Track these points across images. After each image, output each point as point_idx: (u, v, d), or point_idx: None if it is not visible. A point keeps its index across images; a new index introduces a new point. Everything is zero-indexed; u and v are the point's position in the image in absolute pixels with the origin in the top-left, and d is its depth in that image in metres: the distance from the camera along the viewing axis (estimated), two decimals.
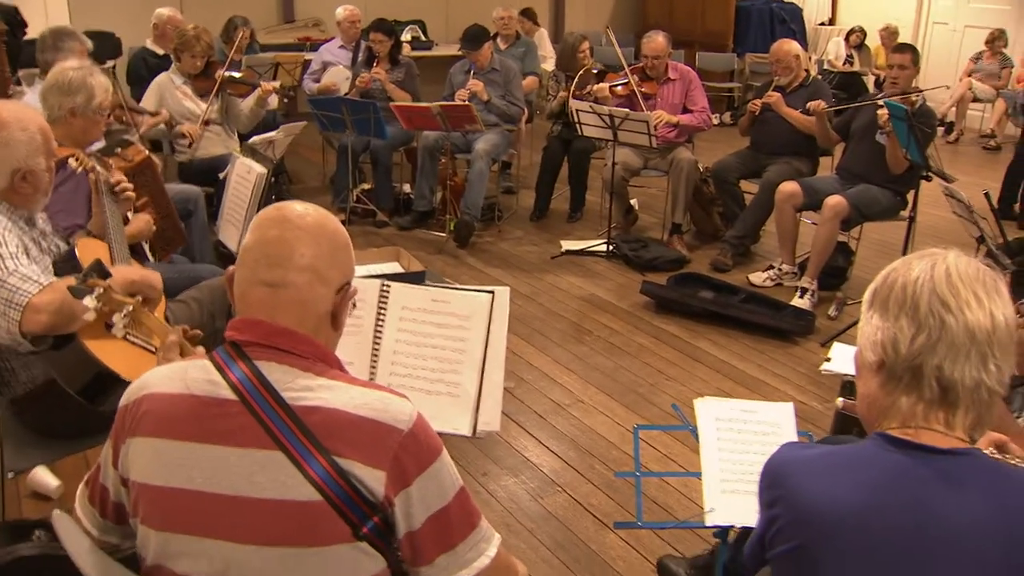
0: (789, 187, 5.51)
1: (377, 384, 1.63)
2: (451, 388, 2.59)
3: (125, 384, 1.69)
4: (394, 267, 4.11)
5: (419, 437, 1.51)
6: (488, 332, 2.61)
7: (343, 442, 1.47)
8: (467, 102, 6.21)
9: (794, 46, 6.04)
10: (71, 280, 2.28)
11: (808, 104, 5.67)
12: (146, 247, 3.69)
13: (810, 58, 10.77)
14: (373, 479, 1.46)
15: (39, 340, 2.47)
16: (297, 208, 1.61)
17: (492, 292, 2.65)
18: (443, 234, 6.48)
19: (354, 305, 1.69)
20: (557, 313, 5.27)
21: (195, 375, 1.55)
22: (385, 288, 2.66)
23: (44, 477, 3.29)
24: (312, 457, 1.45)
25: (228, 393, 1.51)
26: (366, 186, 7.03)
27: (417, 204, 6.74)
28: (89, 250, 2.76)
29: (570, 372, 4.51)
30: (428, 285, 2.82)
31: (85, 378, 2.43)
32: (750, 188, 6.15)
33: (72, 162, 3.11)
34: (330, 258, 1.59)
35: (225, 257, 4.62)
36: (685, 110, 6.34)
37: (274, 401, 1.49)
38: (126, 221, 3.30)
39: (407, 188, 7.17)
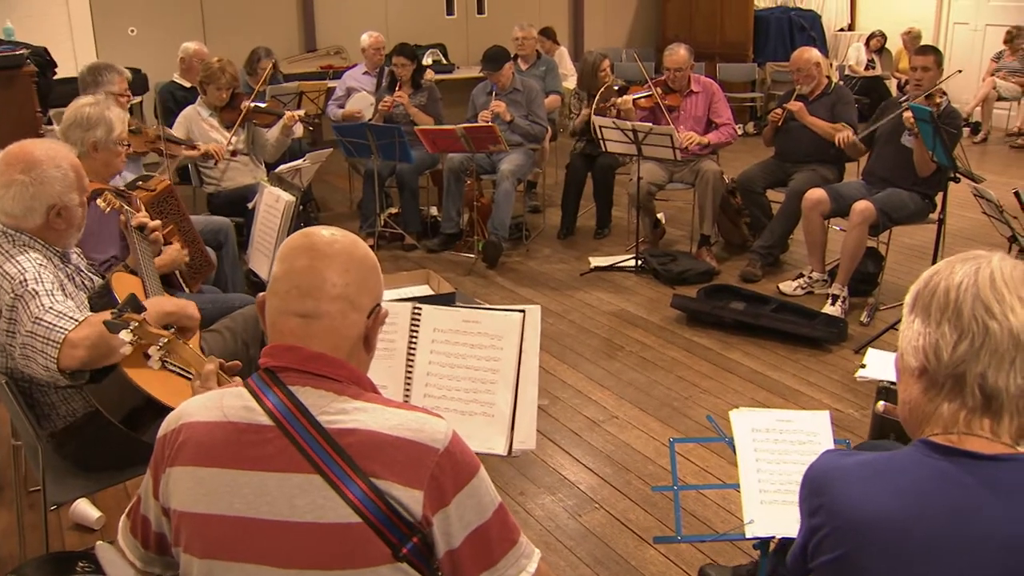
0: (816, 194, 5.48)
1: (411, 405, 1.64)
2: (485, 408, 2.59)
3: (164, 412, 1.71)
4: (424, 290, 4.12)
5: (455, 455, 1.51)
6: (520, 351, 2.60)
7: (380, 463, 1.47)
8: (490, 123, 6.24)
9: (814, 53, 6.01)
10: (107, 315, 2.30)
11: (837, 139, 5.63)
12: (179, 277, 3.73)
13: (831, 64, 10.72)
14: (411, 499, 1.47)
15: (76, 375, 2.49)
16: (324, 235, 1.62)
17: (523, 311, 2.64)
18: (472, 255, 6.50)
19: (382, 322, 1.69)
20: (588, 330, 5.26)
21: (231, 402, 1.56)
22: (416, 311, 2.67)
23: (85, 509, 3.33)
24: (350, 479, 1.46)
25: (264, 419, 1.52)
26: (393, 210, 7.07)
27: (444, 226, 6.77)
28: (124, 284, 2.79)
29: (603, 388, 4.50)
30: (459, 306, 2.82)
31: (126, 407, 2.45)
32: (776, 197, 6.13)
33: (100, 203, 3.16)
34: (361, 284, 1.60)
35: (256, 286, 4.66)
36: (709, 123, 6.34)
37: (310, 425, 1.50)
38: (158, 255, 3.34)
39: (434, 211, 7.21)
